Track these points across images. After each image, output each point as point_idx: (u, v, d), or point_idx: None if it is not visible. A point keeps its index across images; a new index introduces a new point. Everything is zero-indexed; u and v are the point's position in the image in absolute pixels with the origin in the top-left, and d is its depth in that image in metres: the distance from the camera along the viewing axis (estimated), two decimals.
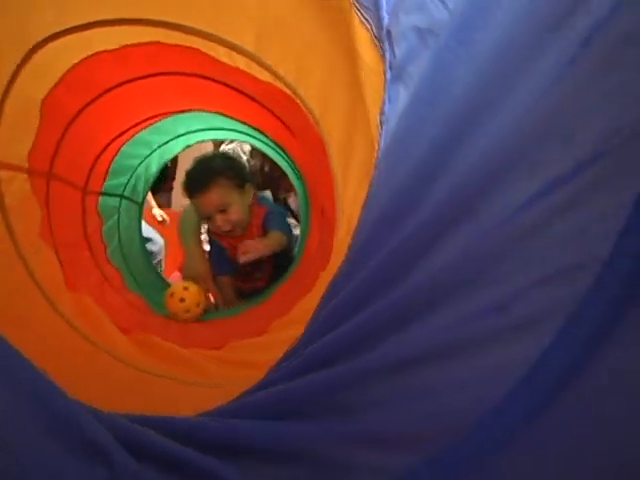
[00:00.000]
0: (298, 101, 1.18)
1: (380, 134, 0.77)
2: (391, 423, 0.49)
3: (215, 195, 1.70)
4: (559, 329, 0.36)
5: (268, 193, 2.42)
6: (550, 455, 0.36)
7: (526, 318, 0.41)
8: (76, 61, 1.21)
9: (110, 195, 1.83)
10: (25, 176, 1.17)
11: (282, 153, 1.90)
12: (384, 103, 0.77)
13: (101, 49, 1.21)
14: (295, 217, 2.42)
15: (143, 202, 2.21)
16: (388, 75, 0.75)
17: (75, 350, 1.06)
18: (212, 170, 1.73)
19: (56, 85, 1.22)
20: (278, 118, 1.52)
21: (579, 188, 0.38)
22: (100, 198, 1.75)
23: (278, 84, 1.20)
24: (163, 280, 2.21)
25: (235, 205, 1.73)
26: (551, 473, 0.36)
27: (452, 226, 0.52)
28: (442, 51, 0.63)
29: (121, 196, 1.93)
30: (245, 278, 2.01)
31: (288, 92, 1.18)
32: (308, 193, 1.85)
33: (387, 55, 0.74)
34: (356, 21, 0.83)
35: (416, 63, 0.70)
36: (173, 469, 0.51)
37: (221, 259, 1.95)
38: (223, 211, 1.72)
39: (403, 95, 0.72)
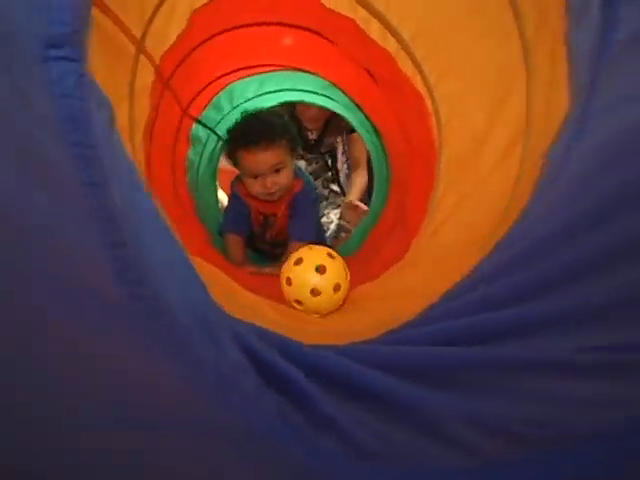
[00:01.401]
0: (428, 102, 1.18)
1: (543, 172, 0.76)
2: (512, 417, 0.49)
3: (277, 153, 1.62)
4: None
5: (302, 163, 2.39)
6: None
7: None
8: None
9: (204, 126, 1.87)
10: (152, 71, 1.20)
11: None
12: (556, 141, 0.74)
13: None
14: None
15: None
16: (572, 116, 0.72)
17: None
18: (277, 127, 1.64)
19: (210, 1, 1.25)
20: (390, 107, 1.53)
21: None
22: (193, 125, 1.80)
23: (416, 79, 1.21)
24: None
25: (287, 168, 1.68)
26: None
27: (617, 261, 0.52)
28: None
29: (212, 130, 1.95)
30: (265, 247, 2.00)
31: (421, 90, 1.19)
32: (391, 180, 1.83)
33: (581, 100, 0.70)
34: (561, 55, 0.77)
35: (610, 122, 0.64)
36: (279, 384, 0.53)
37: (238, 217, 1.87)
38: (277, 171, 1.65)
39: (584, 144, 0.67)
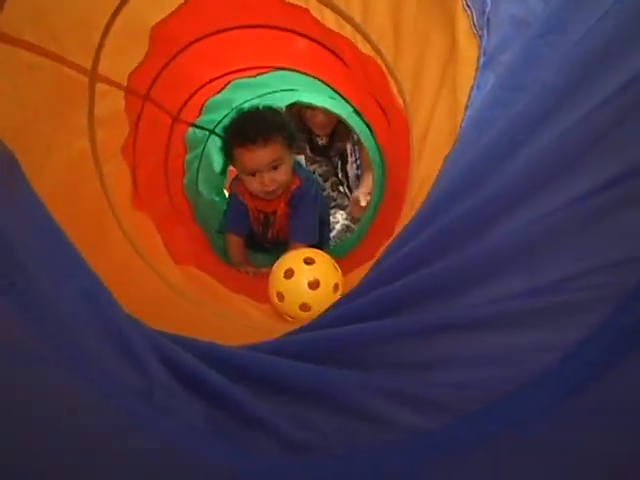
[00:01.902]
0: (392, 82, 1.18)
1: (463, 118, 0.78)
2: (429, 386, 0.51)
3: (274, 149, 1.60)
4: (604, 317, 0.38)
5: (301, 158, 2.37)
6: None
7: (574, 302, 0.43)
8: None
9: (201, 128, 1.89)
10: (121, 93, 1.23)
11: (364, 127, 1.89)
12: (472, 89, 0.78)
13: None
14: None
15: None
16: (481, 62, 0.75)
17: (128, 265, 1.11)
18: (273, 124, 1.62)
19: (171, 15, 1.26)
20: (373, 98, 1.52)
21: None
22: (189, 129, 1.82)
23: (378, 60, 1.20)
24: None
25: (285, 165, 1.66)
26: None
27: (512, 208, 0.54)
28: (532, 39, 0.62)
29: (212, 131, 1.98)
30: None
31: (385, 71, 1.18)
32: (386, 173, 1.82)
33: (483, 42, 0.74)
34: (459, 7, 0.83)
35: (508, 52, 0.71)
36: (203, 393, 0.54)
37: (237, 216, 1.88)
38: (275, 168, 1.63)
39: (491, 83, 0.73)
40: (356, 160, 2.40)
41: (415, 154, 1.15)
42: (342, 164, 2.46)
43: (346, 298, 0.75)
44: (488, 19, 0.75)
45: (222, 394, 0.55)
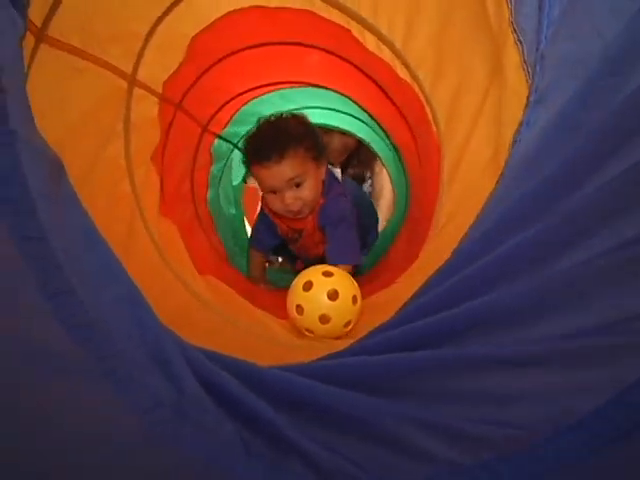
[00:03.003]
0: (428, 110, 1.18)
1: (511, 153, 0.77)
2: (470, 420, 0.49)
3: (291, 165, 1.40)
4: None
5: (337, 171, 2.08)
6: None
7: (624, 345, 0.43)
8: (230, 10, 1.26)
9: (226, 141, 1.90)
10: (156, 100, 1.23)
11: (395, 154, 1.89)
12: (521, 124, 0.78)
13: (255, 4, 1.25)
14: None
15: None
16: (532, 98, 0.75)
17: (154, 270, 1.11)
18: (289, 135, 1.42)
19: (207, 28, 1.27)
20: (405, 121, 1.52)
21: None
22: (216, 140, 1.83)
23: (415, 87, 1.21)
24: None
25: (310, 180, 1.44)
26: None
27: (565, 248, 0.54)
28: (590, 81, 0.62)
29: (235, 145, 1.99)
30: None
31: (421, 98, 1.18)
32: (410, 197, 1.82)
33: (535, 79, 0.74)
34: (510, 41, 0.83)
35: (560, 92, 0.70)
36: (236, 411, 0.53)
37: (264, 233, 1.74)
38: (297, 185, 1.43)
39: (542, 120, 0.73)
40: (369, 187, 2.40)
41: (445, 182, 1.15)
42: None
43: (381, 328, 0.74)
44: (542, 56, 0.74)
45: (256, 414, 0.54)
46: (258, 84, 1.78)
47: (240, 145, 1.98)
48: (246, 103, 1.85)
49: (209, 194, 1.83)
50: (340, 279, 1.09)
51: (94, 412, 0.48)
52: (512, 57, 0.83)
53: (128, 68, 1.03)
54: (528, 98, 0.76)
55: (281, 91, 1.87)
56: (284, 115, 1.53)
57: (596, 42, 0.65)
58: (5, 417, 0.40)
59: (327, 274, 1.09)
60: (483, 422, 0.49)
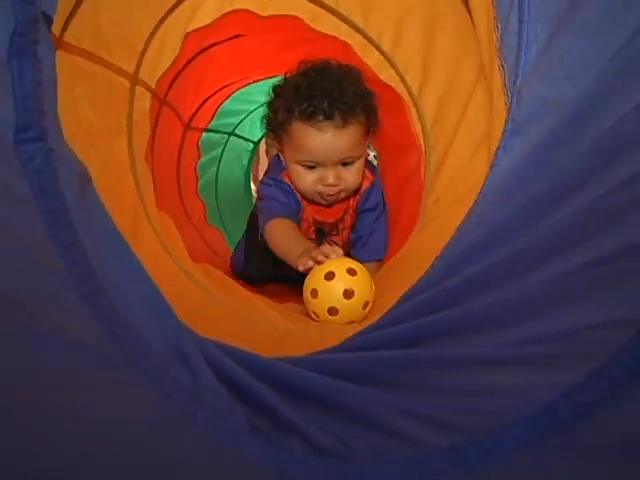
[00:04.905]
0: (413, 112, 1.25)
1: (486, 180, 0.84)
2: (446, 410, 0.56)
3: (352, 136, 1.11)
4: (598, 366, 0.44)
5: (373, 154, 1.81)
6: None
7: (578, 352, 0.49)
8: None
9: (217, 132, 1.91)
10: (150, 95, 1.25)
11: None
12: (499, 149, 0.82)
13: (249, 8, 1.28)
14: None
15: (259, 140, 2.32)
16: (509, 126, 0.80)
17: (159, 262, 1.12)
18: (358, 95, 1.11)
19: (206, 25, 1.29)
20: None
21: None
22: (203, 134, 1.84)
23: (400, 90, 1.27)
24: None
25: (360, 161, 1.16)
26: None
27: (539, 263, 0.59)
28: (563, 124, 0.67)
29: (230, 134, 2.01)
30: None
31: (407, 102, 1.25)
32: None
33: (512, 109, 0.80)
34: (496, 65, 0.89)
35: (537, 126, 0.73)
36: (244, 397, 0.58)
37: (291, 198, 1.28)
38: (345, 164, 1.15)
39: (518, 149, 0.77)
40: None
41: (431, 175, 1.22)
42: None
43: (373, 327, 0.81)
44: (519, 91, 0.79)
45: (262, 400, 0.60)
46: (242, 77, 1.79)
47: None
48: (228, 95, 1.85)
49: (200, 182, 1.86)
50: (361, 281, 1.09)
51: (123, 397, 0.54)
52: (497, 80, 0.89)
53: (131, 68, 1.07)
54: (506, 123, 0.81)
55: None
56: (344, 66, 1.16)
57: (568, 89, 0.68)
58: (55, 403, 0.45)
59: (351, 272, 1.09)
60: (456, 411, 0.56)
